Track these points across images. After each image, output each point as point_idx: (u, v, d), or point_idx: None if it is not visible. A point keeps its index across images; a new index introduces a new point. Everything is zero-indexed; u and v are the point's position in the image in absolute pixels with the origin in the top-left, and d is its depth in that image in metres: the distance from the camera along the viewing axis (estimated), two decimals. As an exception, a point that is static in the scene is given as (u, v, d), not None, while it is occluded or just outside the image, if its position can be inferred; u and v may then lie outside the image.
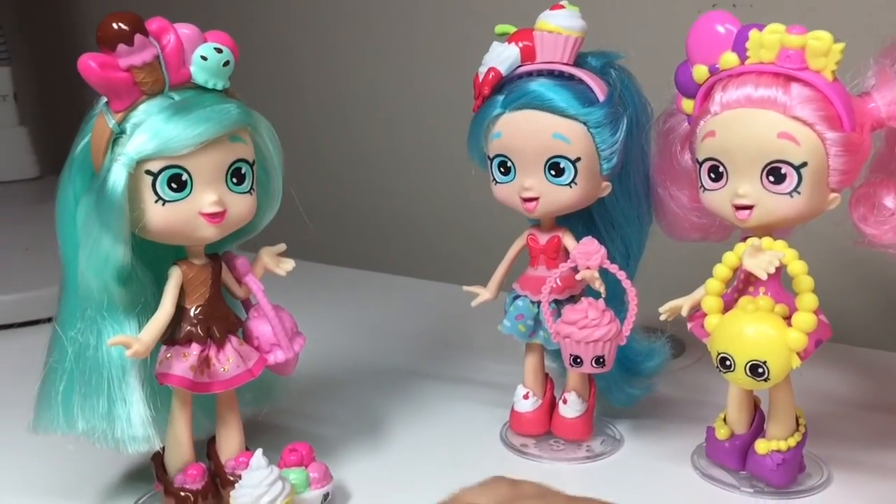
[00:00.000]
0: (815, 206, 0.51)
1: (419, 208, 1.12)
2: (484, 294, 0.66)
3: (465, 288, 0.66)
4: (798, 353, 0.51)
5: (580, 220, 0.65)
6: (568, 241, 0.62)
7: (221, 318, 0.52)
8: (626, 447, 0.64)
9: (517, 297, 0.64)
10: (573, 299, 0.62)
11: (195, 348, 0.51)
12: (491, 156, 0.60)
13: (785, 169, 0.50)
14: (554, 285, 0.61)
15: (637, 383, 0.68)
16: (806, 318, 0.50)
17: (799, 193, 0.50)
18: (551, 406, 0.66)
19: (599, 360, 0.59)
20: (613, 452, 0.64)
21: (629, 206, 0.65)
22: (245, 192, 0.51)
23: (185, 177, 0.48)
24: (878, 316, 0.84)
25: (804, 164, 0.50)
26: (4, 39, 1.24)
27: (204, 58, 0.49)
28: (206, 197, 0.49)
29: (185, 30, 0.49)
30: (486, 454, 0.64)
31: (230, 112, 0.49)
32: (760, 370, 0.51)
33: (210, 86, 0.49)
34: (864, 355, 0.77)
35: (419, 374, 0.78)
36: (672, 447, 0.63)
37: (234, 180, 0.50)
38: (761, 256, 0.51)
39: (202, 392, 0.52)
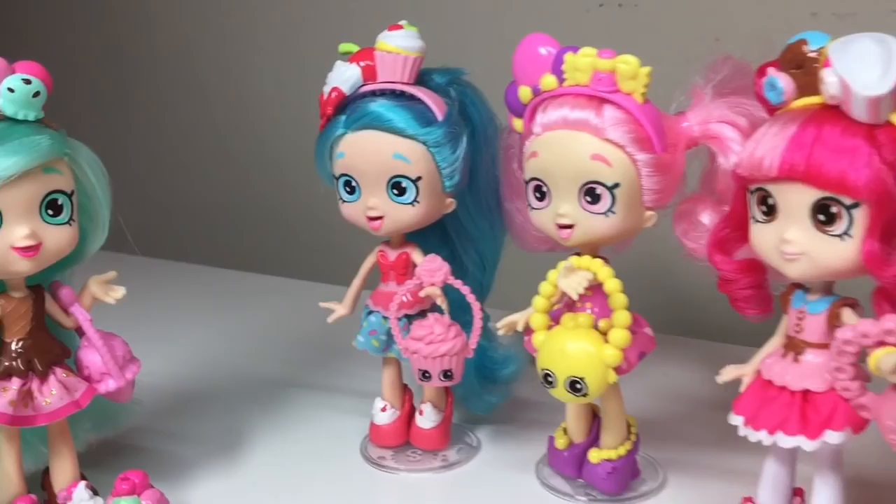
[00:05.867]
0: (632, 225, 0.53)
1: (304, 207, 1.12)
2: (339, 309, 0.66)
3: (322, 304, 0.67)
4: (617, 368, 0.52)
5: (435, 234, 0.66)
6: (416, 257, 0.63)
7: (44, 350, 0.52)
8: (481, 455, 0.66)
9: (370, 312, 0.65)
10: (424, 314, 0.63)
11: (15, 382, 0.51)
12: (336, 175, 0.61)
13: (599, 189, 0.51)
14: (403, 301, 0.62)
15: (495, 391, 0.69)
16: (619, 335, 0.51)
17: (614, 213, 0.52)
18: (410, 417, 0.67)
19: (447, 374, 0.60)
20: (468, 461, 0.65)
21: (481, 219, 0.66)
22: (63, 224, 0.50)
23: (-6, 212, 0.48)
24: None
25: (617, 185, 0.51)
26: None
27: (11, 90, 0.48)
28: (17, 231, 0.48)
29: (-10, 62, 0.48)
30: (344, 468, 0.64)
31: (41, 143, 0.49)
32: (578, 386, 0.52)
33: (21, 117, 0.49)
34: (721, 351, 0.79)
35: (292, 383, 0.78)
36: (522, 455, 0.64)
37: (50, 212, 0.50)
38: (573, 276, 0.52)
39: (26, 426, 0.51)
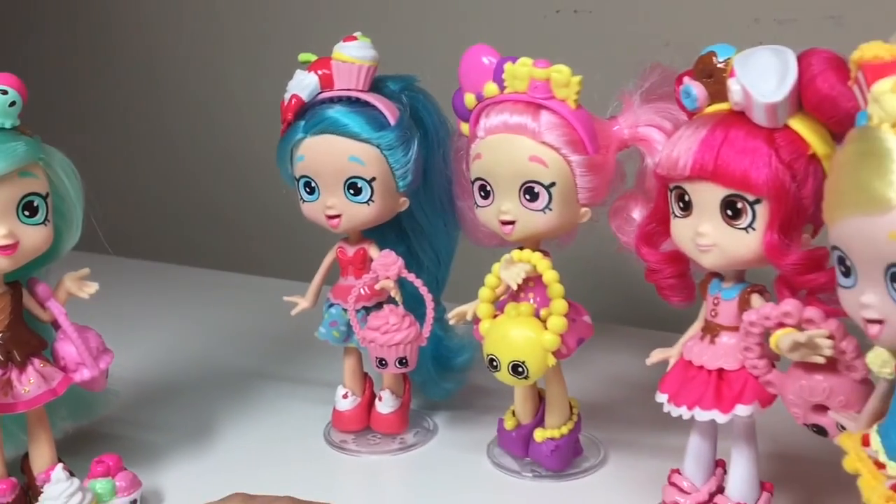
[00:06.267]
0: (568, 220, 0.57)
1: (268, 208, 1.15)
2: (302, 303, 0.70)
3: (286, 298, 0.71)
4: (556, 352, 0.57)
5: (392, 231, 0.70)
6: (373, 252, 0.67)
7: (22, 342, 0.56)
8: (437, 438, 0.70)
9: (331, 305, 0.69)
10: (380, 306, 0.67)
11: (-4, 372, 0.54)
12: (297, 176, 0.65)
13: (538, 188, 0.56)
14: (361, 293, 0.66)
15: (451, 378, 0.73)
16: (557, 321, 0.56)
17: (551, 210, 0.56)
18: (370, 403, 0.71)
19: (402, 361, 0.64)
20: (424, 443, 0.69)
21: (435, 216, 0.70)
22: (39, 224, 0.54)
23: (-27, 212, 0.51)
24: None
25: (553, 184, 0.55)
26: None
27: (-12, 101, 0.52)
28: None
29: (-30, 75, 0.52)
30: (309, 452, 0.68)
31: (17, 149, 0.52)
32: (520, 369, 0.56)
33: (-3, 126, 0.52)
34: (659, 338, 0.84)
35: (258, 373, 0.82)
36: (475, 437, 0.69)
37: (26, 213, 0.53)
38: (512, 268, 0.57)
39: (7, 412, 0.55)
